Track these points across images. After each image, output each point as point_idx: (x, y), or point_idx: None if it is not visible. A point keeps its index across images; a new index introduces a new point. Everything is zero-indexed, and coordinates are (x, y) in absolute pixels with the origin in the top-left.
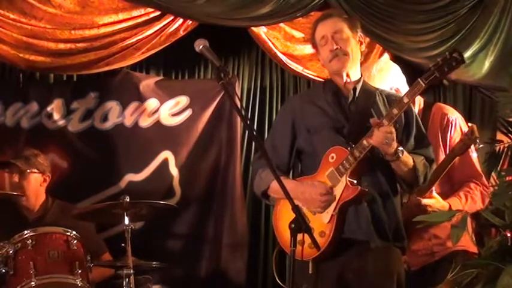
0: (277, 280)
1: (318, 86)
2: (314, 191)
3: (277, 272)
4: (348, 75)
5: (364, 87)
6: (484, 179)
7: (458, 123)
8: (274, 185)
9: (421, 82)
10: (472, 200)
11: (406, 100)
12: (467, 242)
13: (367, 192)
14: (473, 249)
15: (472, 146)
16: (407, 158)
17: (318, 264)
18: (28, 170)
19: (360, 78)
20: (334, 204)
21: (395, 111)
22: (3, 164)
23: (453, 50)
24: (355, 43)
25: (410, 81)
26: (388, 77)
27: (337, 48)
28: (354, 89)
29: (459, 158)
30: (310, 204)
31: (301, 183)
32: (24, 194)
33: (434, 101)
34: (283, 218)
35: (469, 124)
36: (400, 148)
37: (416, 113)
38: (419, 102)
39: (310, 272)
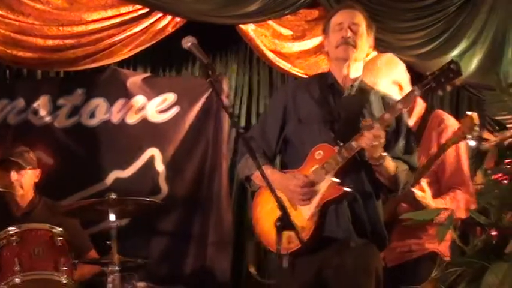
0: (250, 269)
1: (315, 77)
2: (294, 183)
3: (253, 261)
4: (348, 69)
5: (361, 86)
6: (471, 188)
7: (454, 129)
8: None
9: (417, 90)
10: (457, 205)
11: (400, 106)
12: (444, 248)
13: (350, 193)
14: (447, 256)
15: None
16: (390, 165)
17: (293, 259)
18: (27, 167)
19: (359, 76)
20: (316, 202)
21: (387, 115)
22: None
23: (451, 61)
24: (366, 41)
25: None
26: (395, 69)
27: (349, 37)
28: (352, 86)
29: (451, 163)
30: (291, 197)
31: (285, 175)
32: (22, 190)
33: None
34: (262, 207)
35: (468, 112)
36: (384, 154)
37: (418, 116)
38: (421, 107)
39: (284, 265)
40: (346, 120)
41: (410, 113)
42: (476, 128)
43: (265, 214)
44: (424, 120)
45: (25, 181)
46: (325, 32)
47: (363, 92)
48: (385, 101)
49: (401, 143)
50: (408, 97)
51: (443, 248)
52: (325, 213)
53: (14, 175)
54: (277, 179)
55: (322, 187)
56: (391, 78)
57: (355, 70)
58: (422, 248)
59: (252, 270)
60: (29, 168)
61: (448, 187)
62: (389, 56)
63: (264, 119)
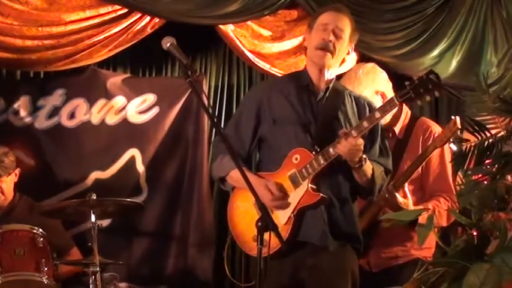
0: (228, 273)
1: (291, 76)
2: (266, 194)
3: (229, 264)
4: (322, 71)
5: (334, 87)
6: (454, 195)
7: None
8: (234, 174)
9: (395, 100)
10: (439, 213)
11: (377, 115)
12: (430, 253)
13: (327, 199)
14: None
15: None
16: (368, 168)
17: (269, 261)
18: (7, 174)
19: (333, 78)
20: (293, 207)
21: (365, 124)
22: None
23: (430, 71)
24: (345, 48)
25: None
26: (374, 81)
27: (330, 41)
28: (327, 89)
29: (435, 169)
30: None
31: (258, 181)
32: (4, 196)
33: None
34: (238, 208)
35: (452, 116)
36: (364, 156)
37: (402, 125)
38: (405, 115)
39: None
40: (322, 125)
41: (396, 120)
42: (459, 132)
43: (240, 216)
44: (409, 127)
45: (6, 187)
46: (309, 26)
47: (337, 93)
48: (359, 101)
49: (377, 146)
50: (386, 106)
51: (429, 253)
52: (301, 218)
53: None
54: (252, 183)
55: (299, 192)
56: (373, 89)
57: (330, 73)
58: (408, 254)
59: (227, 271)
60: (9, 174)
61: (432, 193)
62: (370, 66)
63: (238, 117)
